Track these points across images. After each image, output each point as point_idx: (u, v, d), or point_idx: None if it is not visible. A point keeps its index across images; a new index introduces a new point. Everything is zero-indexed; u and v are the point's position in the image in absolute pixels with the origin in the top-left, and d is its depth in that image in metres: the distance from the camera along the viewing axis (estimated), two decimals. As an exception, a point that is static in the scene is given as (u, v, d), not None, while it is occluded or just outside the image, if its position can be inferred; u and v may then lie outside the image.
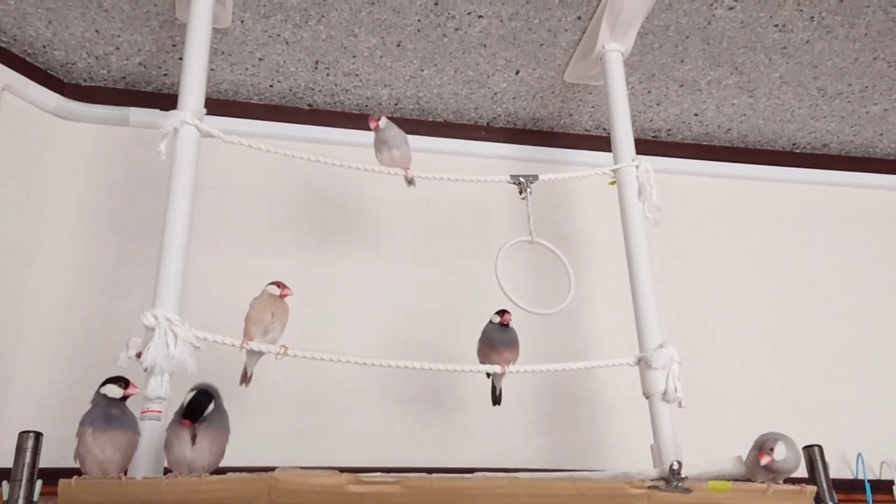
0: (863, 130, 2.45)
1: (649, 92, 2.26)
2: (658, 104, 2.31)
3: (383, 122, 1.73)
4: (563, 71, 2.16)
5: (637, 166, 1.91)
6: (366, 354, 1.64)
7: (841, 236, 2.44)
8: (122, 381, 1.33)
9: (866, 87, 2.28)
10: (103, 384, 1.33)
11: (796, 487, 1.42)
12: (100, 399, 1.31)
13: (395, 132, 1.74)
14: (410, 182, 1.78)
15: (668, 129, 2.41)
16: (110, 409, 1.29)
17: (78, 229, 1.98)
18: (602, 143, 2.28)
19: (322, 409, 1.91)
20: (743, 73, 2.22)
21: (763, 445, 1.43)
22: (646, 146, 2.34)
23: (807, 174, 2.48)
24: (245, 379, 1.63)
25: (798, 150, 2.52)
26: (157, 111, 2.06)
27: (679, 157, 2.42)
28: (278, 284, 1.60)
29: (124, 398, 1.31)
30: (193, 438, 1.29)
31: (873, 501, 1.95)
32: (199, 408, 1.28)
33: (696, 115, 2.36)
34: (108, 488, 1.24)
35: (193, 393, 1.30)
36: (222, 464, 1.45)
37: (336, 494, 1.29)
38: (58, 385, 1.80)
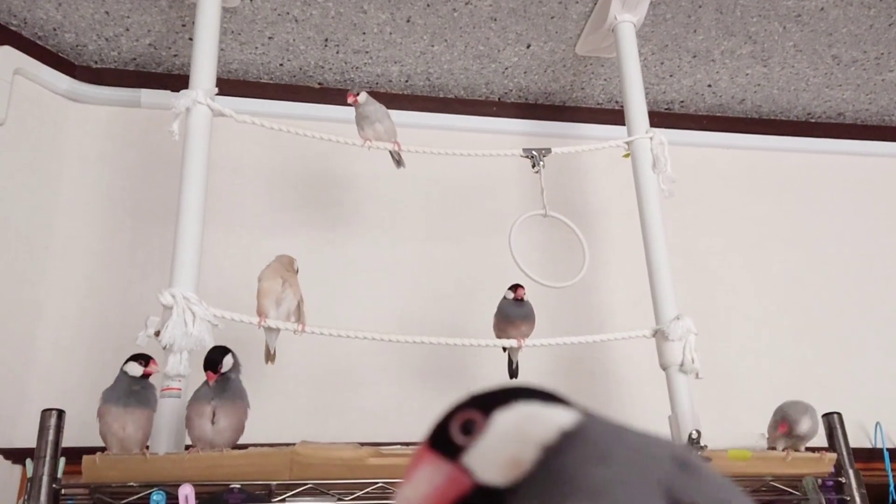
0: (879, 98, 2.42)
1: (662, 63, 2.24)
2: (671, 75, 2.29)
3: (362, 97, 1.72)
4: (574, 43, 2.14)
5: (651, 138, 1.90)
6: (382, 331, 1.65)
7: (857, 206, 2.42)
8: (142, 359, 1.34)
9: (882, 53, 2.25)
10: (126, 362, 1.35)
11: (816, 455, 1.43)
12: (122, 376, 1.33)
13: (375, 107, 1.73)
14: (399, 162, 1.78)
15: (682, 101, 2.39)
16: (131, 387, 1.31)
17: (93, 212, 1.99)
18: (615, 116, 2.26)
19: (340, 385, 1.92)
20: (757, 42, 2.19)
21: (787, 418, 1.43)
22: (659, 119, 2.32)
23: (822, 144, 2.46)
24: (269, 357, 1.64)
25: (813, 120, 2.49)
26: (169, 92, 2.06)
27: (693, 130, 2.40)
28: (289, 261, 1.60)
29: (145, 375, 1.33)
30: (213, 416, 1.30)
31: (892, 469, 1.95)
32: (215, 362, 1.32)
33: (709, 86, 2.34)
34: (132, 464, 1.26)
35: (207, 351, 1.34)
36: (242, 440, 1.47)
37: (357, 467, 1.31)
38: (78, 366, 1.82)
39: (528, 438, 0.44)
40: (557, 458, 0.43)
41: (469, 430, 0.45)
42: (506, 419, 0.45)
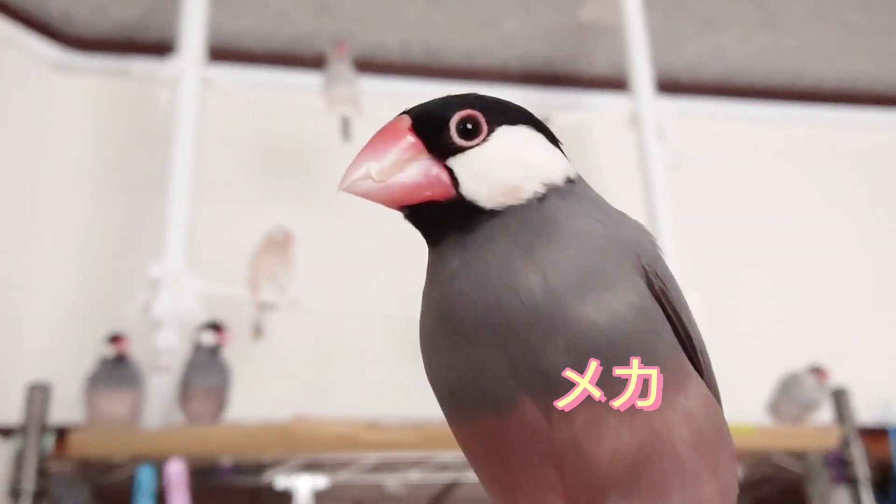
0: (890, 66, 2.35)
1: (668, 31, 2.17)
2: (677, 44, 2.22)
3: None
4: (577, 11, 2.08)
5: (656, 108, 1.85)
6: (380, 307, 1.61)
7: (868, 176, 2.36)
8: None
9: (893, 20, 2.18)
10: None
11: (822, 428, 1.39)
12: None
13: (352, 69, 1.71)
14: (348, 136, 1.76)
15: (688, 70, 2.33)
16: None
17: (82, 185, 1.95)
18: (620, 85, 2.20)
19: (336, 362, 1.89)
20: (765, 9, 2.12)
21: (818, 369, 1.41)
22: (665, 88, 2.25)
23: (832, 113, 2.39)
24: (258, 332, 1.61)
25: (823, 89, 2.43)
26: (160, 61, 2.00)
27: (699, 99, 2.33)
28: (283, 232, 1.57)
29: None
30: (206, 389, 1.27)
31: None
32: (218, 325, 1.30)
33: (716, 54, 2.27)
34: (122, 438, 1.23)
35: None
36: (238, 417, 1.44)
37: (352, 442, 1.28)
38: (67, 341, 1.79)
39: (535, 170, 0.39)
40: (558, 202, 0.39)
41: (468, 131, 0.39)
42: (512, 137, 0.40)
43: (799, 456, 1.38)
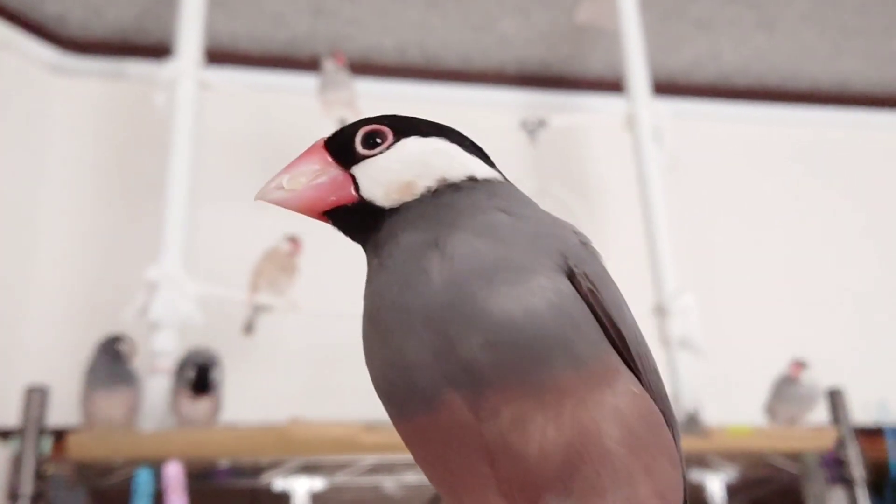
0: (886, 68, 2.36)
1: (664, 33, 2.18)
2: (673, 46, 2.23)
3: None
4: (573, 13, 2.09)
5: (652, 110, 1.85)
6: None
7: (863, 177, 2.37)
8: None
9: (889, 22, 2.19)
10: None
11: (818, 429, 1.40)
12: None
13: (345, 74, 1.73)
14: None
15: (685, 72, 2.33)
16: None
17: (80, 187, 1.95)
18: (616, 87, 2.20)
19: (334, 364, 1.89)
20: (761, 10, 2.13)
21: (798, 361, 1.42)
22: (661, 90, 2.26)
23: (828, 114, 2.40)
24: (248, 329, 1.62)
25: (819, 90, 2.43)
26: (156, 63, 2.01)
27: (695, 101, 2.34)
28: (292, 241, 1.58)
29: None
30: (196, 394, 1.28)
31: None
32: (204, 383, 1.28)
33: (712, 56, 2.28)
34: (120, 440, 1.23)
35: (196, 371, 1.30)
36: (235, 419, 1.44)
37: (349, 444, 1.28)
38: (65, 343, 1.79)
39: (430, 169, 0.42)
40: (454, 194, 0.41)
41: (373, 143, 0.43)
42: (415, 145, 0.43)
43: (795, 457, 1.39)
